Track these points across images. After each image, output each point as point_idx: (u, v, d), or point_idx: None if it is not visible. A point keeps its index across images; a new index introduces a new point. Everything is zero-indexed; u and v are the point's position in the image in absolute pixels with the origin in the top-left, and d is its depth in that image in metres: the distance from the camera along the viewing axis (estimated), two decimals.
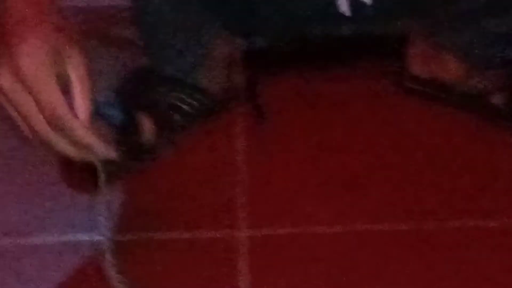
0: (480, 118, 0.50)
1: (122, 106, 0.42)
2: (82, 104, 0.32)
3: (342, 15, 0.49)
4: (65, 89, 0.31)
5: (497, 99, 0.52)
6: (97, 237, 0.40)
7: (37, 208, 0.46)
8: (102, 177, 0.37)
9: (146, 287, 0.39)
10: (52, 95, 0.30)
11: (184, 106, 0.50)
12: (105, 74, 0.48)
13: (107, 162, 0.36)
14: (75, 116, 0.31)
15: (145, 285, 0.38)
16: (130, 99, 0.49)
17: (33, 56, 0.30)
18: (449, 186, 0.45)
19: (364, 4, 0.48)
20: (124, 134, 0.44)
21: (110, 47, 0.54)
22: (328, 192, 0.46)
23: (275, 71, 0.55)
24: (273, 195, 0.46)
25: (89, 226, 0.41)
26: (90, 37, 0.46)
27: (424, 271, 0.39)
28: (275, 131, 0.51)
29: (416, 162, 0.47)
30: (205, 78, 0.52)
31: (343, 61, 0.56)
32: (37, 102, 0.30)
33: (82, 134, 0.31)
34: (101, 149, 0.34)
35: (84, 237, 0.43)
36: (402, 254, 0.41)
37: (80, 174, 0.43)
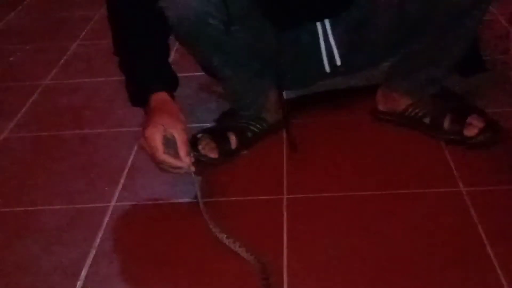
0: (417, 131, 0.93)
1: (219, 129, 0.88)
2: (182, 149, 0.75)
3: (326, 73, 0.96)
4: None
5: (427, 120, 0.93)
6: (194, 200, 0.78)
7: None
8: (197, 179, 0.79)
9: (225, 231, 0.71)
10: (157, 147, 0.73)
11: (253, 128, 0.94)
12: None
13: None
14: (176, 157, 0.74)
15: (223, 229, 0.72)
16: (225, 125, 0.94)
17: (152, 129, 0.74)
18: (389, 170, 0.87)
19: (336, 65, 0.95)
20: (221, 144, 0.89)
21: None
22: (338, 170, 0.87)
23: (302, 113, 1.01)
24: (306, 173, 0.87)
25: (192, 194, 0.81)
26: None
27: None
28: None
29: (376, 154, 0.91)
30: (265, 114, 0.95)
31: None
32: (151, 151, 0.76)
33: (175, 166, 0.74)
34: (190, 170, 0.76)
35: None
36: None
37: None
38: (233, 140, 0.91)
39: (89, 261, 0.71)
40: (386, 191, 0.83)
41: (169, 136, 0.75)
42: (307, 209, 0.80)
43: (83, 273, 0.69)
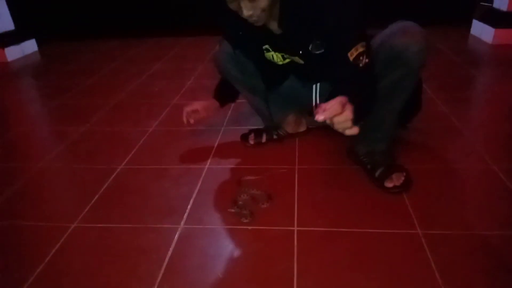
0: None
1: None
2: (194, 105, 1.60)
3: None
4: None
5: (369, 167, 1.29)
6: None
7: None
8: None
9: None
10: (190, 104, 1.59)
11: (276, 133, 1.63)
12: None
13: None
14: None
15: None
16: (262, 129, 1.65)
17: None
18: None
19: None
20: (257, 138, 1.61)
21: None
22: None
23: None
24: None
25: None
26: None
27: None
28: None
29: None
30: (285, 126, 1.63)
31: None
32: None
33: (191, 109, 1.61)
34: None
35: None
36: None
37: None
38: (264, 136, 1.61)
39: None
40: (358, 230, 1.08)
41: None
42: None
43: None
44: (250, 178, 1.37)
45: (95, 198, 1.31)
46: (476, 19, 3.02)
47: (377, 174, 1.27)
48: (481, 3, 3.02)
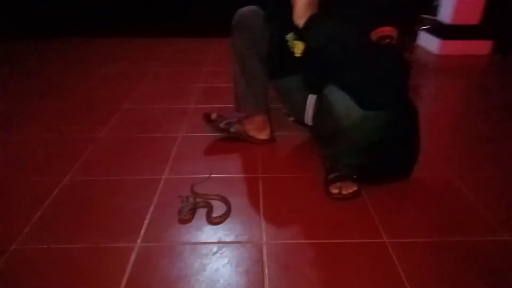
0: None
1: None
2: None
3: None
4: None
5: (328, 175, 1.28)
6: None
7: None
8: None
9: None
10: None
11: (235, 131, 1.57)
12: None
13: None
14: None
15: None
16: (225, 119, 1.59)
17: None
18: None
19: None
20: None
21: None
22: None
23: None
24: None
25: None
26: None
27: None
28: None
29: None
30: (246, 124, 1.56)
31: None
32: None
33: None
34: None
35: None
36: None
37: None
38: (223, 122, 1.58)
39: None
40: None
41: None
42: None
43: None
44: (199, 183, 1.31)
45: (36, 215, 1.17)
46: (423, 30, 3.18)
47: (329, 177, 1.27)
48: (425, 15, 3.18)
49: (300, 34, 1.24)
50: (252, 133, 1.58)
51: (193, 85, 2.27)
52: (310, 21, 1.12)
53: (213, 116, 1.62)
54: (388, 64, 1.04)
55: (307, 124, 1.45)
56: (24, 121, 1.81)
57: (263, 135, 1.58)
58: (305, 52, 1.27)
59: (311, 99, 1.38)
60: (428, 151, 1.51)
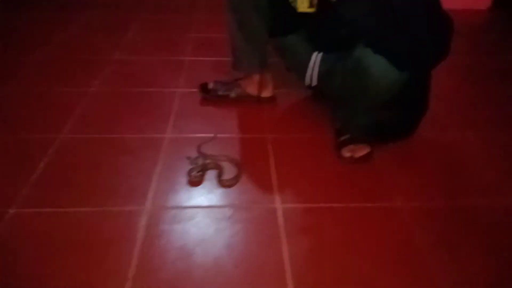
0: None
1: None
2: None
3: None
4: None
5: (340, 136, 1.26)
6: None
7: None
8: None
9: None
10: None
11: (236, 94, 1.51)
12: None
13: None
14: None
15: None
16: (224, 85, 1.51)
17: None
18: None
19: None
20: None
21: None
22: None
23: None
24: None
25: None
26: None
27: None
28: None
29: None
30: (245, 85, 1.49)
31: None
32: None
33: None
34: None
35: None
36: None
37: None
38: (222, 88, 1.50)
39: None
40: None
41: None
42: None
43: None
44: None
45: (33, 176, 1.09)
46: None
47: (340, 139, 1.24)
48: None
49: None
50: (254, 92, 1.51)
51: (186, 35, 2.12)
52: None
53: (210, 85, 1.52)
54: (438, 25, 1.01)
55: (309, 85, 1.37)
56: (11, 72, 1.67)
57: (266, 93, 1.52)
58: (317, 10, 1.17)
59: (316, 58, 1.30)
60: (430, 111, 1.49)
